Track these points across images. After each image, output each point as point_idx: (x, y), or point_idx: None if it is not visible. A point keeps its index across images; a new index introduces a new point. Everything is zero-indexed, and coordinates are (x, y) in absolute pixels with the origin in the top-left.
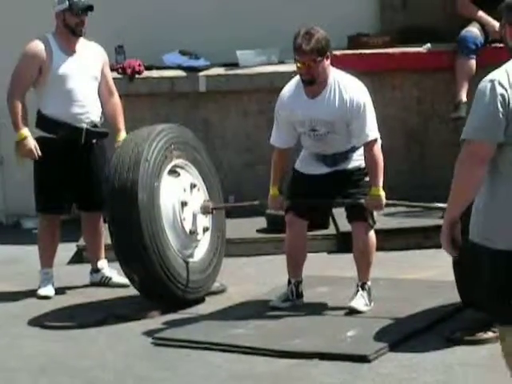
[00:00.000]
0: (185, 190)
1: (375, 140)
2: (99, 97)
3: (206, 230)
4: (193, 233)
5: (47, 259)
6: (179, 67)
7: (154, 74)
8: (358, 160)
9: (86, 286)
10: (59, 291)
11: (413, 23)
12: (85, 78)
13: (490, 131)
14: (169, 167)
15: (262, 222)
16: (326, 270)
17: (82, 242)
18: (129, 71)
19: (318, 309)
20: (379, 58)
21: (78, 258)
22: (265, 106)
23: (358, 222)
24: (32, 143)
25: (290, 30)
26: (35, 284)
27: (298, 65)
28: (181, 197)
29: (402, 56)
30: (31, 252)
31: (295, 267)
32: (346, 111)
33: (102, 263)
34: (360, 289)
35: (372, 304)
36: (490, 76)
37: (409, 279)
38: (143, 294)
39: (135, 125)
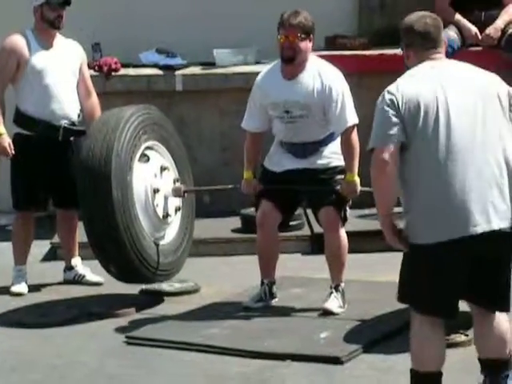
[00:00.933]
0: (155, 176)
1: (353, 126)
2: (78, 96)
3: (177, 209)
4: (166, 217)
5: (21, 256)
6: (156, 65)
7: (131, 72)
8: (329, 158)
9: (59, 283)
10: (32, 288)
11: (390, 25)
12: (63, 74)
13: (388, 135)
14: (139, 154)
15: (236, 222)
16: (300, 272)
17: (55, 239)
18: (105, 69)
19: (292, 310)
20: (356, 59)
21: (51, 256)
22: (241, 106)
23: (327, 207)
24: (7, 141)
25: (266, 30)
26: (8, 281)
27: (281, 39)
28: (153, 183)
29: (379, 58)
30: (4, 248)
31: (267, 267)
32: (324, 97)
33: (76, 261)
34: (334, 290)
35: (346, 306)
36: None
37: (381, 281)
38: (115, 276)
39: None
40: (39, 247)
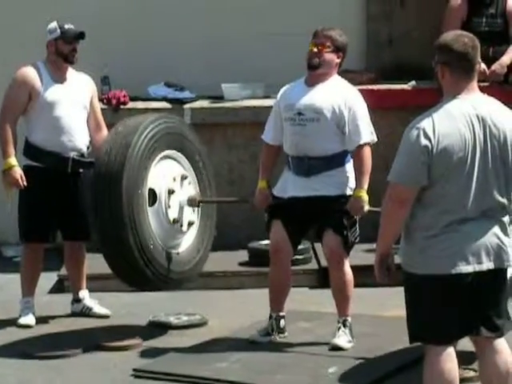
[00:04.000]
0: (174, 180)
1: (367, 144)
2: (89, 130)
3: (190, 224)
4: (176, 222)
5: (29, 288)
6: (164, 99)
7: (140, 105)
8: (335, 186)
9: (67, 315)
10: (40, 320)
11: (398, 60)
12: (73, 107)
13: (411, 178)
14: (159, 156)
15: (244, 255)
16: (307, 306)
17: (63, 271)
18: (114, 102)
19: (299, 344)
20: (364, 94)
21: (59, 288)
22: (249, 140)
23: (330, 234)
24: (18, 172)
25: (275, 65)
26: (16, 313)
27: (310, 47)
28: (169, 184)
29: (387, 93)
30: (12, 280)
31: (277, 300)
32: (340, 109)
33: (84, 293)
34: (342, 326)
35: (354, 340)
36: (417, 123)
37: (389, 316)
38: (116, 273)
39: None
40: (47, 279)
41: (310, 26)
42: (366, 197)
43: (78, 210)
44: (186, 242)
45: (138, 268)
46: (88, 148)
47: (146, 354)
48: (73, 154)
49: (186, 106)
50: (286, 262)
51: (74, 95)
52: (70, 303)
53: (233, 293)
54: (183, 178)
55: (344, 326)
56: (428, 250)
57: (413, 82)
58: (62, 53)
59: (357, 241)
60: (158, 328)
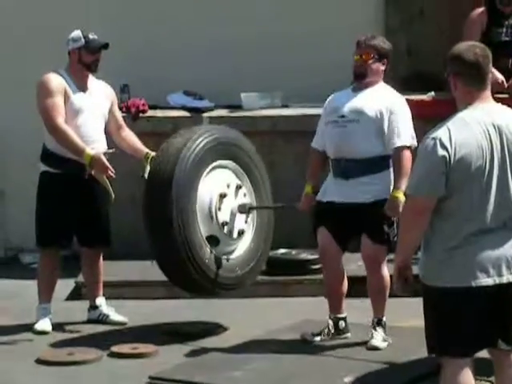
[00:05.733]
0: (228, 186)
1: (405, 147)
2: (111, 136)
3: (241, 232)
4: (225, 225)
5: (46, 294)
6: (183, 108)
7: (158, 113)
8: (376, 193)
9: (83, 322)
10: (56, 327)
11: (417, 71)
12: (94, 116)
13: (429, 189)
14: (211, 167)
15: None
16: (326, 315)
17: (80, 278)
18: (133, 110)
19: (316, 352)
20: None
21: (76, 295)
22: (266, 149)
23: (368, 240)
24: (101, 159)
25: (293, 75)
26: (32, 319)
27: (356, 58)
28: (222, 189)
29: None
30: (29, 287)
31: (333, 303)
32: (382, 111)
33: (101, 300)
34: (376, 325)
35: (389, 339)
36: (433, 133)
37: (405, 326)
38: (167, 274)
39: (137, 163)
40: (64, 286)
41: (330, 37)
42: (402, 198)
43: (95, 216)
44: (238, 250)
45: (186, 271)
46: (105, 155)
47: (162, 361)
48: None
49: (205, 114)
50: (336, 265)
51: (96, 104)
52: (87, 310)
53: (249, 301)
54: (238, 187)
55: (379, 324)
56: (448, 263)
57: (431, 93)
58: (86, 62)
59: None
60: (174, 336)
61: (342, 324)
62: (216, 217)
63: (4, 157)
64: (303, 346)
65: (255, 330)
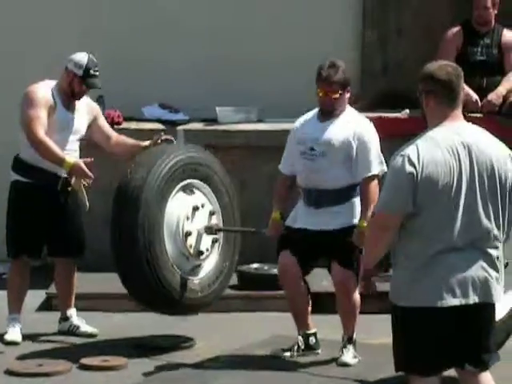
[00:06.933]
0: (196, 207)
1: (373, 176)
2: (102, 147)
3: (206, 253)
4: (191, 246)
5: (15, 305)
6: (158, 120)
7: (133, 125)
8: (346, 220)
9: (53, 333)
10: (27, 338)
11: (392, 88)
12: (73, 135)
13: (396, 205)
14: (180, 186)
15: (233, 278)
16: (296, 331)
17: (52, 289)
18: (108, 122)
19: (287, 368)
20: None
21: (46, 306)
22: (241, 162)
23: (337, 265)
24: (81, 163)
25: (269, 90)
26: (2, 329)
27: (321, 94)
28: (189, 210)
29: (380, 121)
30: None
31: (298, 320)
32: (350, 140)
33: (72, 312)
34: (347, 342)
35: (359, 356)
36: (402, 150)
37: (376, 344)
38: (131, 292)
39: (114, 175)
40: (34, 297)
41: (306, 51)
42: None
43: (68, 226)
44: (204, 270)
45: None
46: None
47: (132, 374)
48: (64, 173)
49: (180, 127)
50: (296, 282)
51: (77, 124)
52: (58, 321)
53: (221, 316)
54: (205, 208)
55: (349, 341)
56: (414, 282)
57: (406, 111)
58: (73, 89)
59: None
60: (145, 349)
61: (312, 340)
62: (183, 237)
63: None
64: (274, 361)
65: (227, 345)
